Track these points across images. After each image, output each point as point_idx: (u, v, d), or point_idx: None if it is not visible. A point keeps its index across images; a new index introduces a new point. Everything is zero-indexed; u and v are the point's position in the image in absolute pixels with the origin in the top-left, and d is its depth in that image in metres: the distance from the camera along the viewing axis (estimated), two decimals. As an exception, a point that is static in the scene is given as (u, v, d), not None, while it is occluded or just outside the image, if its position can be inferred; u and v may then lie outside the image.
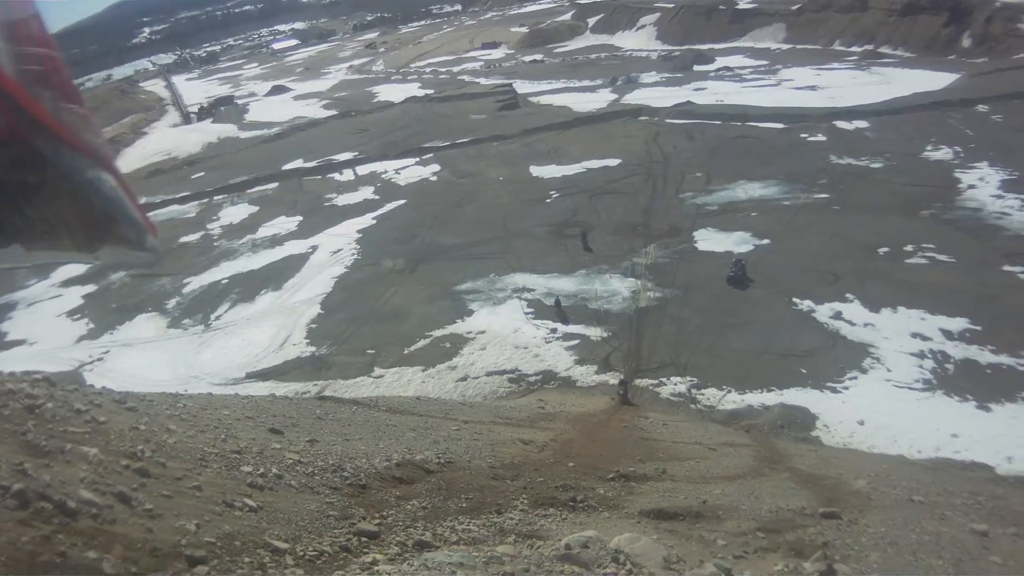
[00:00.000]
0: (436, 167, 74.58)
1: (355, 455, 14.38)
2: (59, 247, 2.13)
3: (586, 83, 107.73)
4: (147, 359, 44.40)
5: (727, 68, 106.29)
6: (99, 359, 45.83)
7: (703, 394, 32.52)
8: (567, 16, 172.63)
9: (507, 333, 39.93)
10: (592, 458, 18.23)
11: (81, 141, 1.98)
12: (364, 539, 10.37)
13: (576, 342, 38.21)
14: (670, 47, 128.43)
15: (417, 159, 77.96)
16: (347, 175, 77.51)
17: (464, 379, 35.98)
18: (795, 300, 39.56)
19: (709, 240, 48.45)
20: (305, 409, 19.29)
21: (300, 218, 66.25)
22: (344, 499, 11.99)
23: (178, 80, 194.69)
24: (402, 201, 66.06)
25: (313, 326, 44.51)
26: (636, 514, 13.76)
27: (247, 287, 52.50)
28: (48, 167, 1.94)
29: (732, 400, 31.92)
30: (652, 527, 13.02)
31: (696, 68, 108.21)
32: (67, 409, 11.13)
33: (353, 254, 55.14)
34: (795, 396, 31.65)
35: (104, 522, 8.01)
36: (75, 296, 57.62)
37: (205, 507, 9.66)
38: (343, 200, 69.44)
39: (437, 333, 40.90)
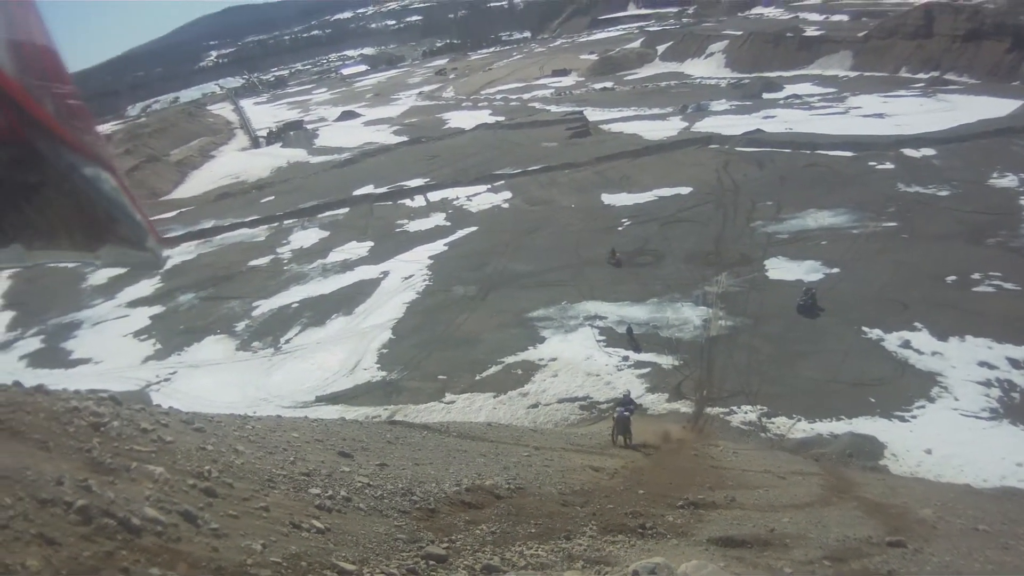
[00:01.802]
0: (508, 194, 74.93)
1: (425, 479, 14.45)
2: (59, 246, 2.24)
3: (656, 111, 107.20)
4: (215, 381, 44.67)
5: (795, 96, 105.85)
6: (166, 380, 46.30)
7: (773, 422, 32.49)
8: (636, 44, 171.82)
9: (579, 360, 39.84)
10: (662, 486, 18.21)
11: (81, 142, 2.07)
12: (432, 563, 10.46)
13: (647, 370, 38.17)
14: (739, 75, 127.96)
15: (489, 186, 78.16)
16: (418, 201, 77.73)
17: (535, 406, 35.98)
18: (864, 329, 39.32)
19: (779, 269, 48.49)
20: (375, 433, 19.62)
21: (371, 243, 66.39)
22: (413, 522, 12.05)
23: (246, 104, 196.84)
24: (474, 228, 66.28)
25: (384, 351, 44.54)
26: (704, 542, 13.66)
27: (318, 311, 52.77)
28: (48, 167, 2.00)
29: (802, 429, 31.81)
30: (720, 555, 12.93)
31: (765, 96, 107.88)
32: (133, 428, 11.50)
33: (425, 280, 55.32)
34: (864, 425, 31.43)
35: (169, 540, 8.20)
36: (142, 316, 58.67)
37: (272, 528, 9.85)
38: (414, 226, 69.63)
39: (509, 360, 40.98)
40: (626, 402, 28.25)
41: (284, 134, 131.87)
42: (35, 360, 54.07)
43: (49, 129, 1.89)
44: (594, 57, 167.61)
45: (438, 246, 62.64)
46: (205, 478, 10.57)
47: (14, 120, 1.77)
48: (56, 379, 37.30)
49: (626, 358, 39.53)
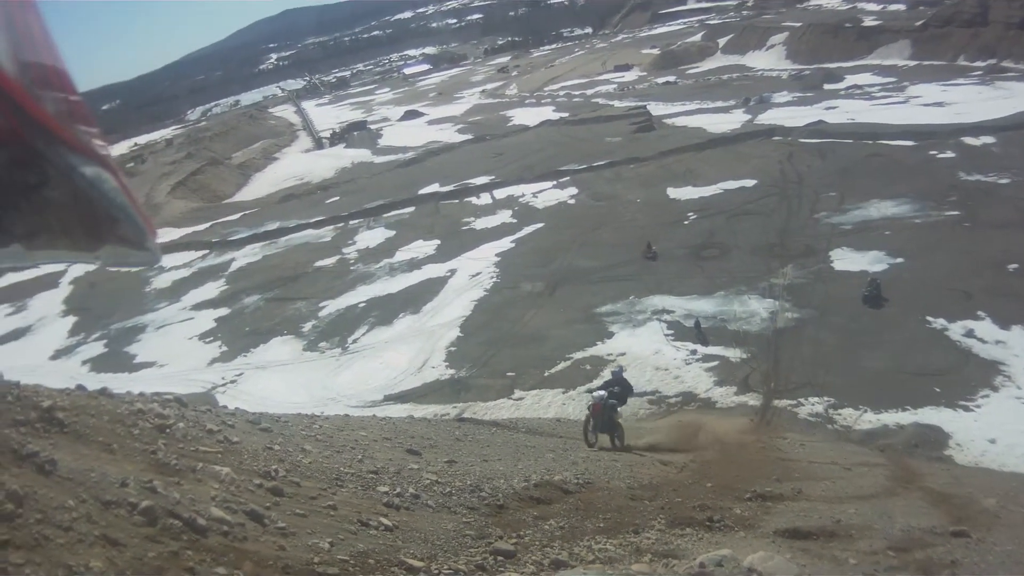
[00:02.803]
0: (573, 190, 74.82)
1: (493, 475, 14.33)
2: (59, 247, 2.23)
3: (719, 104, 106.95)
4: (282, 381, 45.09)
5: (856, 86, 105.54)
6: (232, 381, 46.82)
7: (840, 414, 32.50)
8: (697, 37, 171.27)
9: (647, 355, 39.99)
10: (730, 478, 17.78)
11: (81, 141, 2.06)
12: (500, 558, 10.23)
13: (715, 363, 38.28)
14: (800, 66, 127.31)
15: (554, 182, 78.02)
16: (484, 199, 77.97)
17: None
18: (928, 319, 39.24)
19: (844, 260, 48.44)
20: (444, 431, 19.80)
21: (438, 242, 66.58)
22: (481, 519, 11.81)
23: (308, 105, 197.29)
24: (540, 224, 66.45)
25: (452, 349, 44.76)
26: (771, 533, 13.27)
27: (385, 310, 53.06)
28: (48, 167, 2.00)
29: (868, 420, 31.84)
30: (786, 546, 12.47)
31: (826, 87, 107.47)
32: (199, 429, 11.46)
33: (492, 277, 55.53)
34: (929, 415, 31.42)
35: (235, 540, 8.16)
36: (207, 319, 59.31)
37: (340, 526, 9.75)
38: (481, 224, 69.93)
39: (577, 355, 41.02)
40: (614, 382, 23.40)
41: (348, 135, 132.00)
42: (98, 364, 54.88)
43: (49, 129, 1.93)
44: (656, 52, 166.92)
45: (505, 243, 62.88)
46: (272, 478, 10.61)
47: (14, 120, 1.80)
48: (120, 383, 34.56)
49: (694, 352, 39.64)
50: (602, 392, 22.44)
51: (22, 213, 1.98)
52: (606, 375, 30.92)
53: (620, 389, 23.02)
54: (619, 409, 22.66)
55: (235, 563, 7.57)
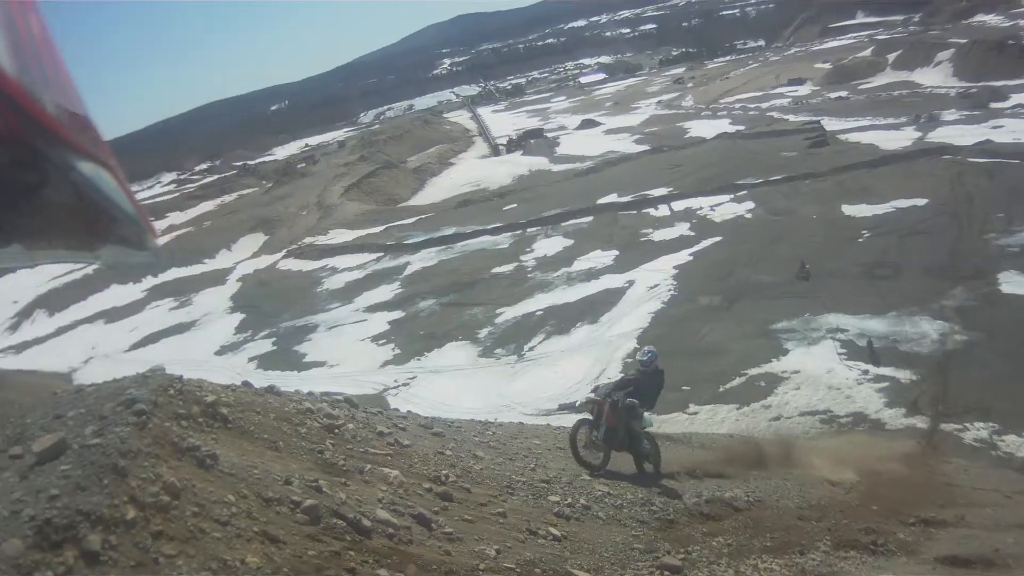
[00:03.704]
0: (750, 204, 74.47)
1: (664, 489, 14.30)
2: (59, 246, 2.22)
3: (890, 120, 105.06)
4: (456, 386, 45.66)
5: (1021, 105, 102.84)
6: (405, 384, 47.71)
7: (1003, 440, 32.08)
8: (867, 52, 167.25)
9: (820, 373, 39.85)
10: (895, 502, 17.29)
11: (81, 141, 2.05)
12: (667, 573, 10.65)
13: (886, 384, 37.97)
14: (966, 84, 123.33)
15: (731, 196, 77.70)
16: (662, 211, 77.68)
17: (777, 418, 35.96)
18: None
19: (1012, 283, 47.65)
20: None
21: (616, 252, 66.62)
22: (650, 532, 12.07)
23: (484, 112, 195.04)
24: (718, 238, 66.08)
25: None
26: (931, 560, 13.42)
27: (562, 319, 53.71)
28: (48, 167, 1.98)
29: (1032, 448, 30.94)
30: (946, 573, 12.84)
31: (992, 105, 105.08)
32: (368, 431, 11.96)
33: (670, 290, 55.52)
34: (1096, 444, 30.46)
35: (400, 542, 8.62)
36: (380, 322, 60.85)
37: (508, 534, 10.12)
38: (659, 235, 69.93)
39: (752, 371, 41.17)
40: (632, 383, 15.69)
41: (525, 142, 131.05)
42: (265, 362, 56.98)
43: (49, 129, 1.90)
44: (827, 65, 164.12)
45: (683, 256, 62.82)
46: (441, 482, 11.02)
47: (14, 120, 1.76)
48: (288, 381, 36.38)
49: (866, 372, 39.47)
50: (620, 393, 15.15)
51: (22, 213, 1.96)
52: (633, 364, 24.10)
53: (643, 382, 15.62)
54: (646, 415, 15.33)
55: (398, 566, 8.20)
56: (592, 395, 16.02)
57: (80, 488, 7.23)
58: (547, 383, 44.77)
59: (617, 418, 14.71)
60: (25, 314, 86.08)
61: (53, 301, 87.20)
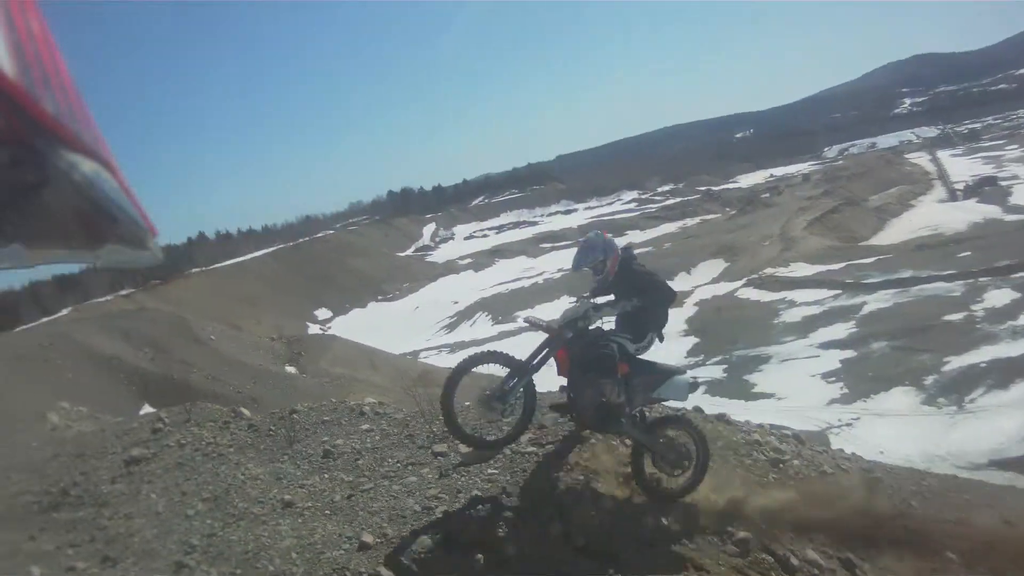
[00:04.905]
0: None
1: None
2: (59, 247, 2.15)
3: None
4: (895, 432, 43.25)
5: None
6: (848, 424, 45.54)
7: None
8: None
9: None
10: None
11: (81, 141, 1.95)
12: None
13: None
14: None
15: None
16: None
17: None
18: None
19: None
20: None
21: None
22: None
23: (942, 155, 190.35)
24: None
25: None
26: None
27: (1002, 373, 50.53)
28: (48, 167, 1.91)
29: None
30: None
31: None
32: (812, 468, 11.45)
33: None
34: None
35: None
36: (832, 359, 58.89)
37: None
38: None
39: None
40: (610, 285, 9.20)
41: (979, 189, 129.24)
42: (714, 388, 54.63)
43: (49, 129, 1.82)
44: None
45: None
46: None
47: (14, 120, 1.70)
48: (735, 409, 34.50)
49: None
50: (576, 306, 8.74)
51: (22, 213, 1.93)
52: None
53: (622, 300, 9.01)
54: (650, 364, 9.28)
55: None
56: (536, 319, 9.23)
57: (506, 493, 8.07)
58: (981, 437, 42.09)
59: (572, 365, 8.32)
60: (466, 315, 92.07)
61: (497, 305, 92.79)
